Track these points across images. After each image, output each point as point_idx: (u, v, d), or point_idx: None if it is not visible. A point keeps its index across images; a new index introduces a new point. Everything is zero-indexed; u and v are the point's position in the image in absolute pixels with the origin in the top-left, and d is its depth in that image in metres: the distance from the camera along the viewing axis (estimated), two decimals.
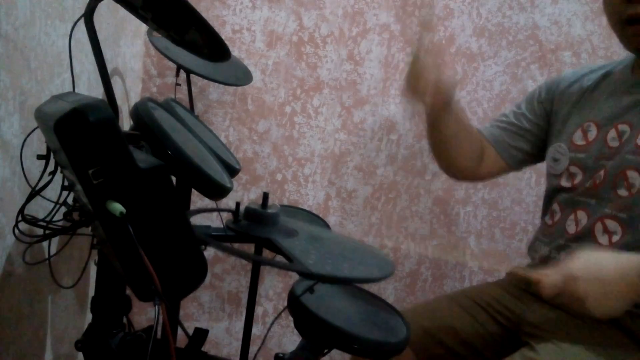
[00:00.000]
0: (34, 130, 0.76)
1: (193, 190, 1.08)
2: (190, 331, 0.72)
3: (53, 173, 0.71)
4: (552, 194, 1.02)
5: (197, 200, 1.46)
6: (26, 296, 0.88)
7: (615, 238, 0.87)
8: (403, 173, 1.69)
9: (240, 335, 1.13)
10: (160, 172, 0.52)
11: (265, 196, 0.71)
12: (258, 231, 0.69)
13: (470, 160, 1.10)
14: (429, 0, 1.60)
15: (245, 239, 0.74)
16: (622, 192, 0.87)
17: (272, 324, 1.70)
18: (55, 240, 0.89)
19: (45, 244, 0.84)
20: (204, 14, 0.71)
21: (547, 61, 1.70)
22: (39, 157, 0.71)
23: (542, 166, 1.09)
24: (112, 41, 1.20)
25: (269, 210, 0.71)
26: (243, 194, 1.62)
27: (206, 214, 1.46)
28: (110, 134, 0.49)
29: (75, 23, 0.74)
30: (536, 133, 1.08)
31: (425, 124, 1.07)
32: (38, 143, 0.81)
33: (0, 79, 0.70)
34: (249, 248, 1.01)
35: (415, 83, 0.97)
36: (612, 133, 0.91)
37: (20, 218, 0.71)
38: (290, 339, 1.72)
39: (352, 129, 1.65)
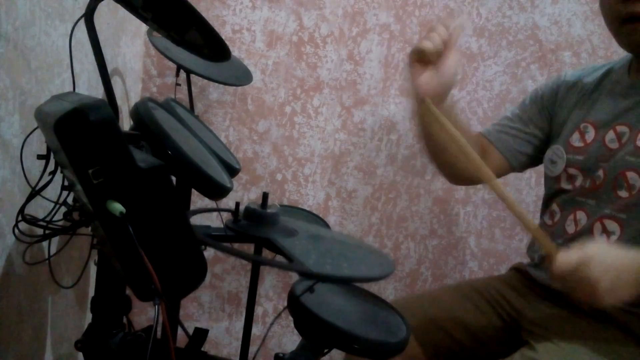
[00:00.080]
0: (34, 130, 0.76)
1: (193, 190, 1.08)
2: (190, 331, 0.72)
3: (53, 173, 0.71)
4: (551, 195, 1.03)
5: (197, 200, 1.46)
6: (26, 296, 0.88)
7: (613, 238, 0.87)
8: (403, 173, 1.69)
9: (240, 335, 1.13)
10: (160, 172, 0.52)
11: (265, 196, 0.71)
12: (258, 231, 0.69)
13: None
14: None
15: (245, 239, 0.74)
16: (622, 193, 0.87)
17: (272, 324, 1.70)
18: (55, 240, 0.89)
19: (45, 244, 0.84)
20: (204, 14, 0.71)
21: (547, 61, 1.70)
22: (39, 157, 0.71)
23: (542, 166, 1.09)
24: (112, 41, 1.20)
25: (269, 210, 0.71)
26: (243, 194, 1.62)
27: (206, 214, 1.46)
28: (110, 134, 0.49)
29: (76, 23, 0.74)
30: (541, 137, 1.08)
31: (420, 130, 1.04)
32: (38, 143, 0.81)
33: (0, 79, 0.70)
34: (249, 248, 1.01)
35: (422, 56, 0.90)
36: (610, 134, 0.92)
37: (20, 218, 0.71)
38: (290, 339, 1.72)
39: (352, 129, 1.65)
